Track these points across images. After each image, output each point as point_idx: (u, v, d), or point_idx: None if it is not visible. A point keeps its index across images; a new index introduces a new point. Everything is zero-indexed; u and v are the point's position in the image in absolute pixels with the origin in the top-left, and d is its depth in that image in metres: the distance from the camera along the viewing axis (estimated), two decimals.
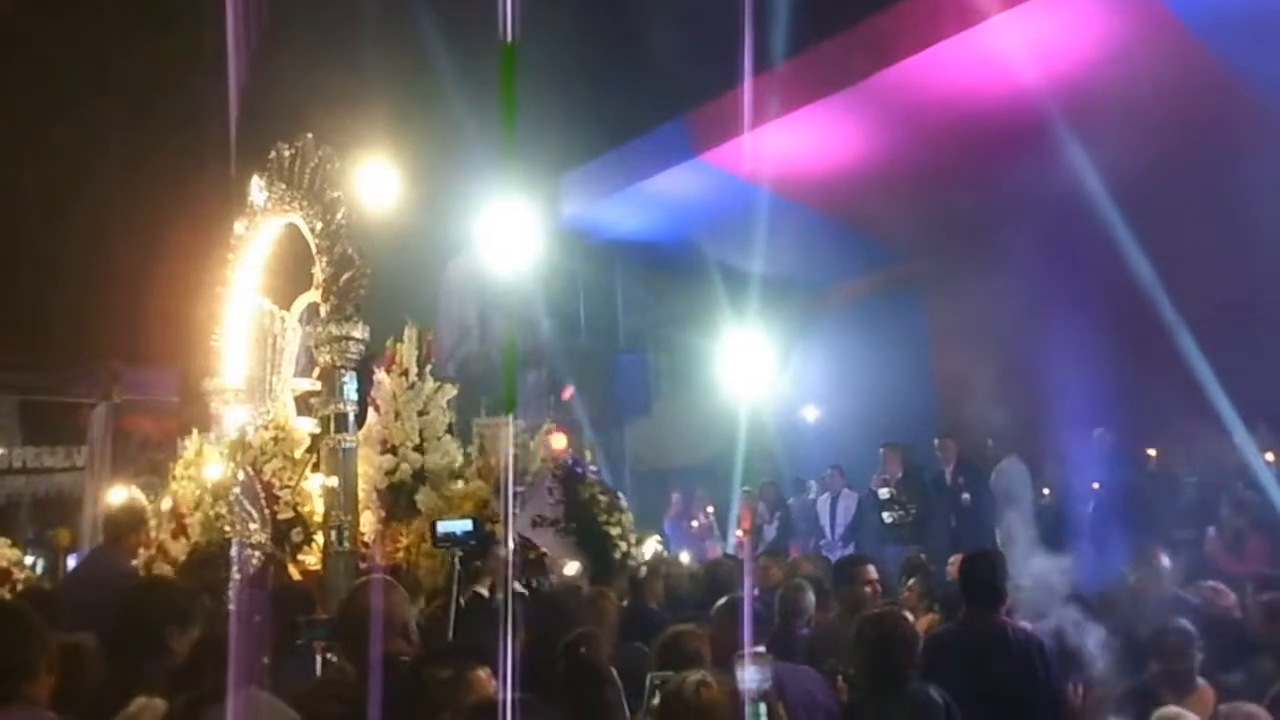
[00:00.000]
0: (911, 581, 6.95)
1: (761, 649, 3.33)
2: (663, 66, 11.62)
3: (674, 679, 3.12)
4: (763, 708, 2.99)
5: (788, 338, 14.11)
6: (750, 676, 3.04)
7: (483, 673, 3.58)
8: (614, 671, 4.12)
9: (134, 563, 6.59)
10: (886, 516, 11.25)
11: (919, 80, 10.40)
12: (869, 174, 11.66)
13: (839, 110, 11.15)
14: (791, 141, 11.27)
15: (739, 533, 12.47)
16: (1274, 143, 8.45)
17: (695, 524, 13.22)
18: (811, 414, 14.66)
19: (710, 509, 13.30)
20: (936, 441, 11.44)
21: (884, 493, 11.28)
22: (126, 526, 6.43)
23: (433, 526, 5.81)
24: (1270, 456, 9.35)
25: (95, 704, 3.62)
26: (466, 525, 5.61)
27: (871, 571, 6.10)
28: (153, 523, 7.24)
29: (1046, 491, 11.27)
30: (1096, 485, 10.47)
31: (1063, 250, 10.67)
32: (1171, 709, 3.84)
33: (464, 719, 3.24)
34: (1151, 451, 10.61)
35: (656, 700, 3.12)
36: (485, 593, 5.72)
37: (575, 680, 4.03)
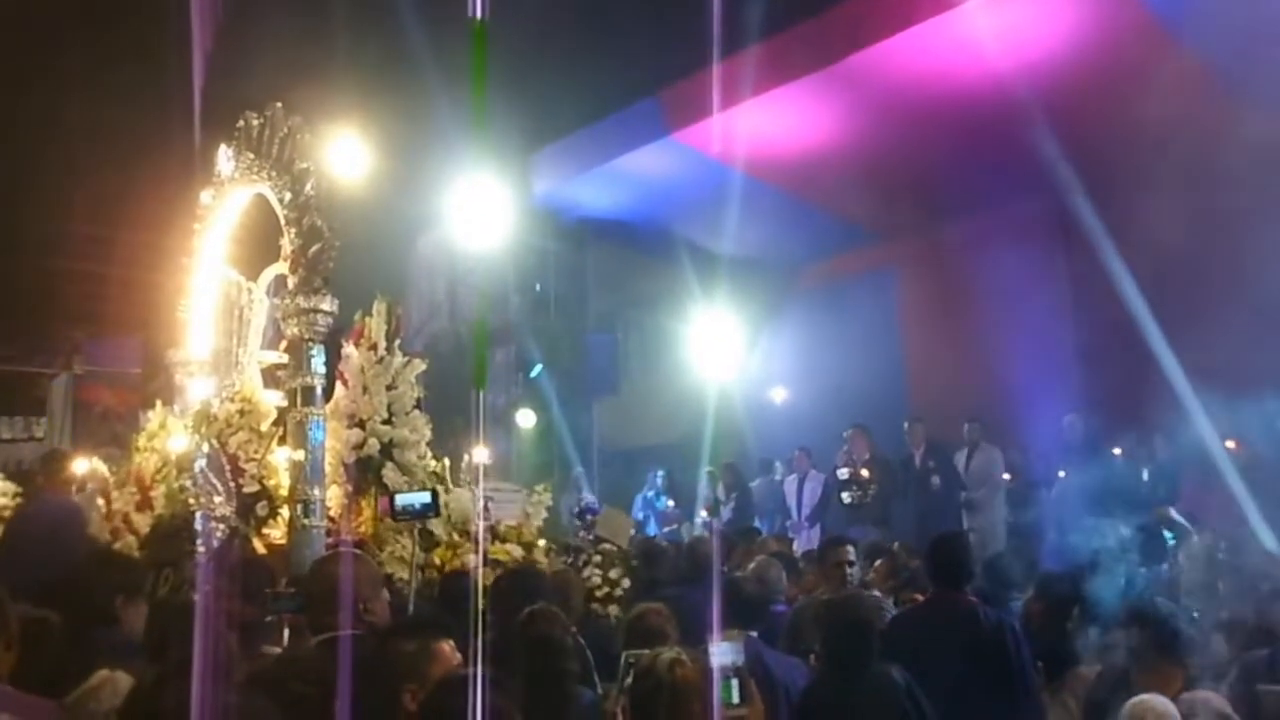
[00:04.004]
0: (878, 564, 7.02)
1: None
2: (636, 44, 11.55)
3: (646, 656, 3.11)
4: (734, 683, 2.98)
5: (758, 319, 14.12)
6: (723, 653, 3.03)
7: (447, 645, 3.56)
8: (572, 643, 4.11)
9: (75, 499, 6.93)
10: (845, 497, 11.31)
11: (893, 64, 10.41)
12: (842, 156, 11.66)
13: (812, 92, 11.14)
14: (764, 122, 11.25)
15: (703, 513, 12.51)
16: (1244, 132, 8.51)
17: (671, 503, 13.26)
18: (780, 395, 14.69)
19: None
20: (905, 425, 11.50)
21: (843, 473, 11.33)
22: (60, 465, 6.92)
23: (391, 499, 5.82)
24: (1231, 444, 9.46)
25: (54, 676, 3.59)
26: (425, 498, 5.61)
27: (848, 553, 6.15)
28: (114, 494, 7.16)
29: (1007, 477, 11.39)
30: (1061, 474, 10.58)
31: (1033, 235, 10.74)
32: (1150, 695, 3.85)
33: (428, 692, 3.21)
34: (1117, 450, 10.71)
35: (630, 678, 3.10)
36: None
37: (531, 654, 4.02)
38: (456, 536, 6.65)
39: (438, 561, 6.51)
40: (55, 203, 11.22)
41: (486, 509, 6.13)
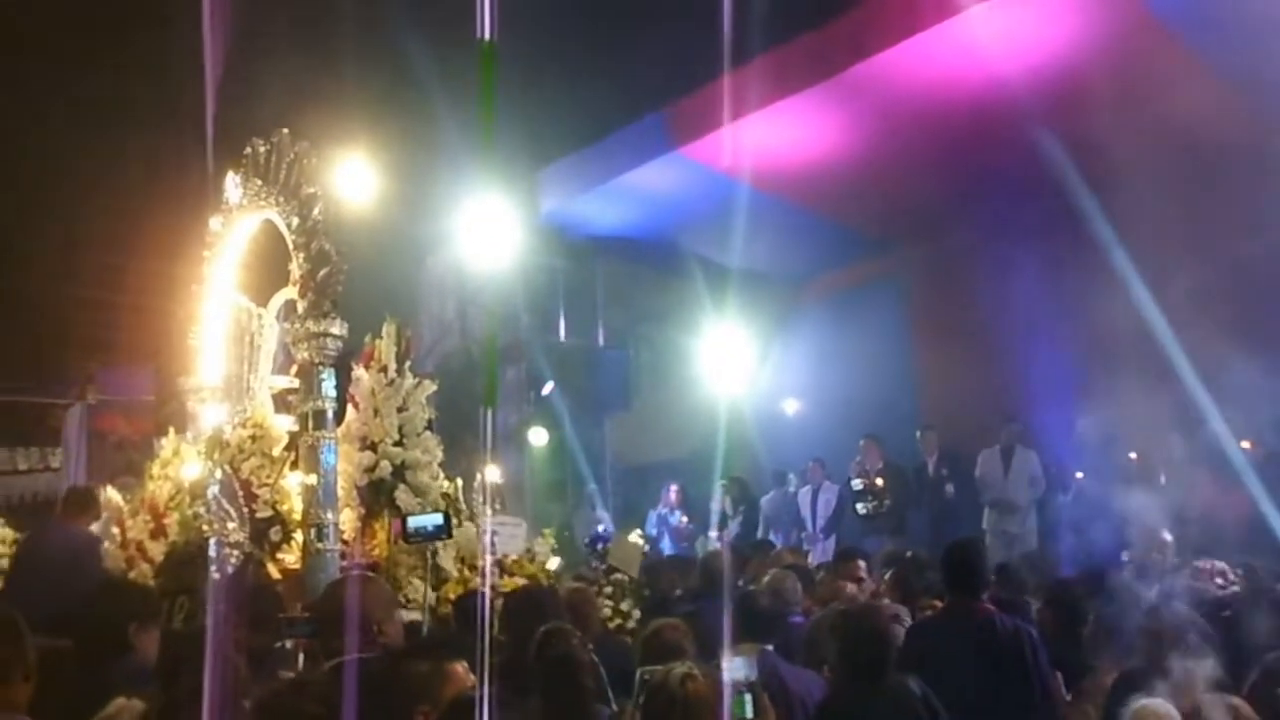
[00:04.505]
0: (888, 574, 6.98)
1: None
2: (641, 60, 11.58)
3: (659, 671, 3.10)
4: (748, 698, 2.97)
5: (768, 331, 14.11)
6: (736, 667, 3.02)
7: (460, 666, 3.55)
8: (589, 660, 4.10)
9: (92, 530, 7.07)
10: (860, 508, 11.29)
11: (897, 72, 10.39)
12: (849, 166, 11.65)
13: (818, 103, 11.14)
14: (770, 135, 11.25)
15: (713, 531, 12.48)
16: (1249, 135, 8.50)
17: (685, 519, 13.23)
18: (792, 407, 14.66)
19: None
20: (919, 434, 11.46)
21: (857, 483, 11.31)
22: (81, 501, 7.13)
23: (404, 521, 5.82)
24: (1246, 444, 9.40)
25: (70, 706, 3.59)
26: (438, 519, 5.61)
27: (860, 568, 6.12)
28: (129, 522, 7.18)
29: None
30: (1080, 475, 10.52)
31: (1041, 240, 10.71)
32: (1153, 700, 3.82)
33: (441, 713, 3.20)
34: (1133, 455, 10.65)
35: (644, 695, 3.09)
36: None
37: (548, 673, 4.01)
38: (467, 571, 6.62)
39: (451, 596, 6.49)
40: (67, 233, 11.30)
41: (493, 544, 6.11)
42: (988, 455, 11.04)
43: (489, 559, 6.44)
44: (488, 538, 6.68)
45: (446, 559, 6.39)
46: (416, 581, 6.26)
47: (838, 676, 4.37)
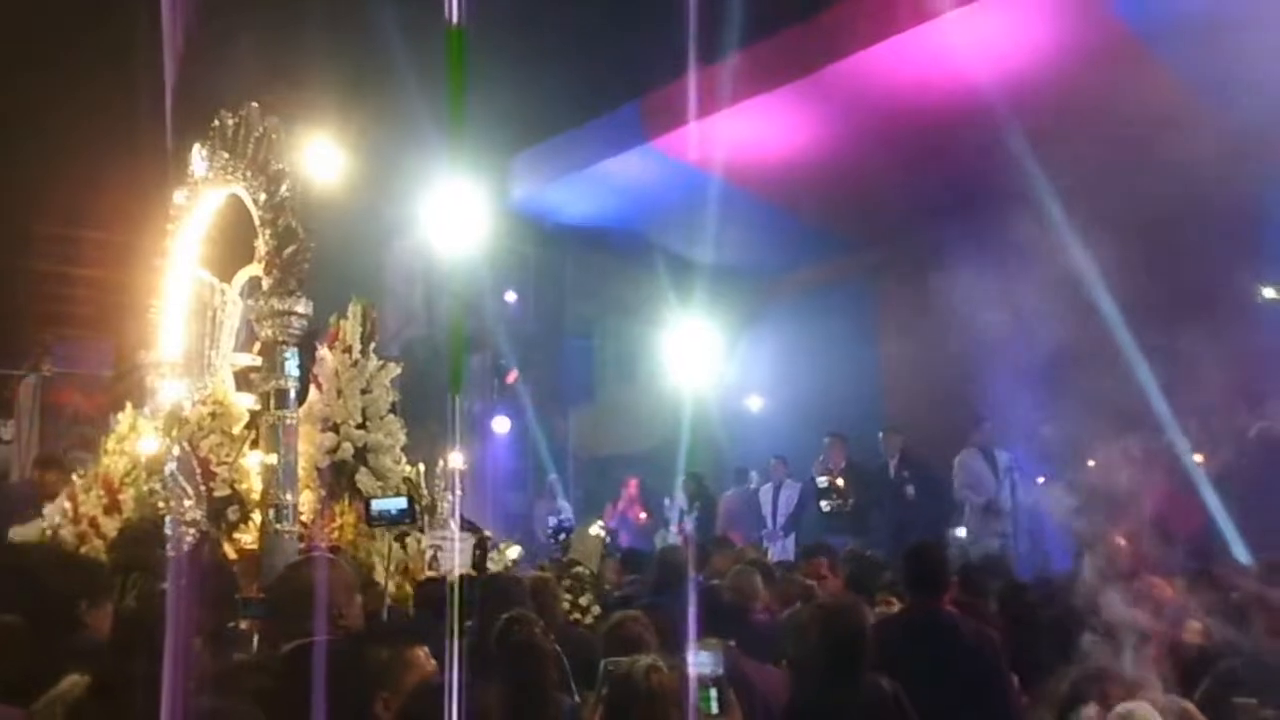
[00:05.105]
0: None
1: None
2: (617, 51, 11.54)
3: (624, 663, 3.07)
4: (713, 693, 2.95)
5: (735, 327, 14.12)
6: (702, 662, 2.99)
7: (421, 652, 3.51)
8: (553, 650, 4.07)
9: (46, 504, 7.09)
10: (824, 505, 11.31)
11: (872, 74, 10.44)
12: (820, 165, 11.68)
13: (792, 101, 11.17)
14: (744, 130, 11.26)
15: (673, 529, 12.48)
16: (1218, 146, 8.58)
17: (644, 515, 13.21)
18: (756, 404, 14.69)
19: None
20: (881, 434, 11.50)
21: (822, 481, 11.33)
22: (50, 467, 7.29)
23: (367, 504, 5.77)
24: (1199, 457, 9.51)
25: (20, 683, 3.51)
26: (401, 503, 5.58)
27: (823, 565, 6.12)
28: (82, 498, 7.05)
29: None
30: (1040, 480, 10.60)
31: (1010, 243, 10.77)
32: (1138, 705, 3.83)
33: (404, 700, 3.16)
34: (1091, 461, 10.72)
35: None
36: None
37: (512, 661, 3.98)
38: (409, 588, 6.48)
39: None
40: (24, 202, 11.06)
41: (435, 560, 5.97)
42: (970, 457, 10.88)
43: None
44: (429, 555, 6.45)
45: (379, 573, 6.17)
46: (378, 565, 6.17)
47: (810, 673, 4.35)
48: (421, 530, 6.28)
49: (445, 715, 2.57)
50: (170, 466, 6.33)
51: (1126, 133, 9.41)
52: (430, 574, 5.64)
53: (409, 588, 6.21)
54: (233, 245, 7.61)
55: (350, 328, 7.16)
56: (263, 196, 6.69)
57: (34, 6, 10.63)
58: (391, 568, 5.83)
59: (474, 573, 5.81)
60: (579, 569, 7.19)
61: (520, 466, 14.51)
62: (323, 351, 7.07)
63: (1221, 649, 4.96)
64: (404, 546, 6.36)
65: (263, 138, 6.82)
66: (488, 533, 6.86)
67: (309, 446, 6.67)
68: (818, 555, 6.26)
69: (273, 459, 6.22)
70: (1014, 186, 9.97)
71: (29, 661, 3.69)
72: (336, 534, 6.56)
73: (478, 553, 6.21)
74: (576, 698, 4.05)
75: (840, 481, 11.16)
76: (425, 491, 6.94)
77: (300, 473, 6.41)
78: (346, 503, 6.67)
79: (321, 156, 7.74)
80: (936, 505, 10.98)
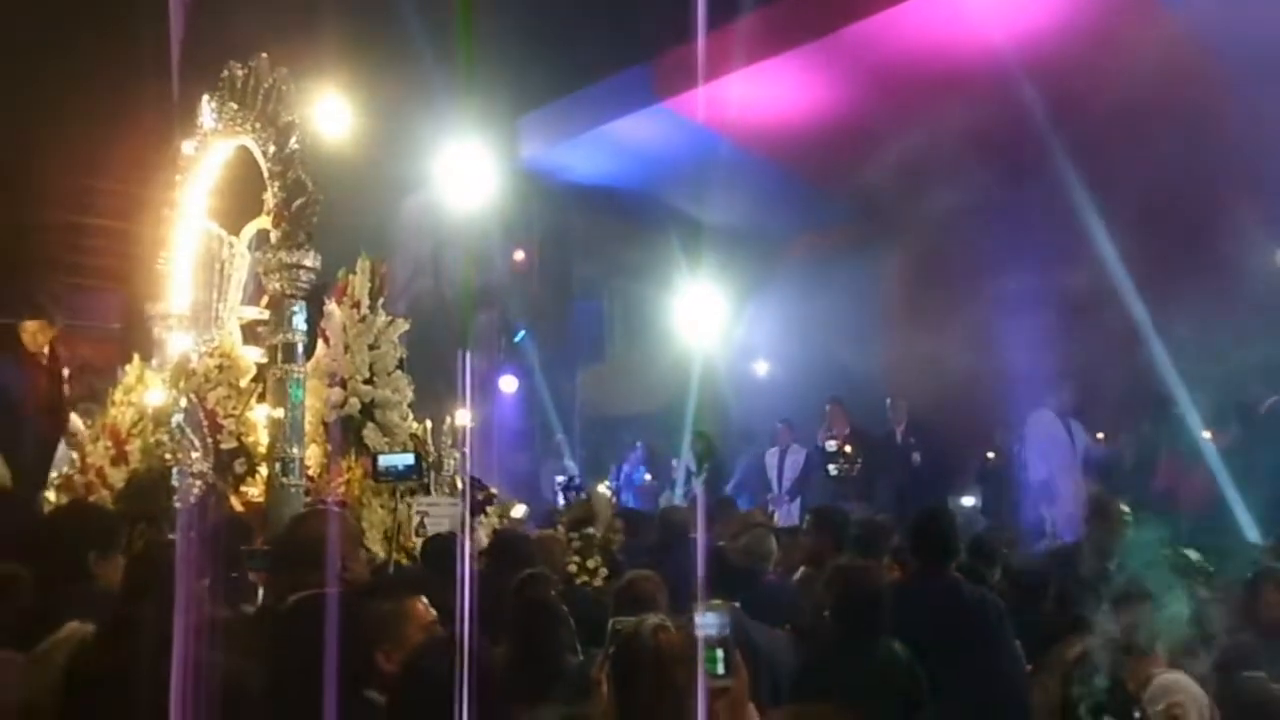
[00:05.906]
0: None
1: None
2: (629, 9, 11.42)
3: (631, 622, 3.05)
4: (720, 653, 2.92)
5: (743, 290, 14.05)
6: (708, 622, 2.96)
7: (420, 604, 3.51)
8: (564, 611, 4.07)
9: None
10: (831, 469, 11.30)
11: (888, 36, 10.32)
12: (832, 129, 11.57)
13: (804, 63, 11.05)
14: (756, 92, 11.14)
15: (681, 487, 12.51)
16: (1240, 113, 8.49)
17: (649, 477, 13.21)
18: (763, 368, 14.65)
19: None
20: (888, 401, 11.47)
21: (830, 445, 11.31)
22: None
23: (374, 460, 5.77)
24: (1208, 434, 9.47)
25: (23, 630, 3.52)
26: (409, 459, 5.59)
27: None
28: (89, 448, 7.06)
29: (991, 455, 11.39)
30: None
31: (1021, 211, 10.70)
32: (1177, 674, 3.81)
33: (410, 654, 3.16)
34: (1100, 435, 10.68)
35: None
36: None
37: (524, 619, 3.98)
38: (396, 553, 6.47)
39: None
40: (32, 152, 10.99)
41: (422, 525, 5.94)
42: (1048, 422, 10.25)
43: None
44: (415, 522, 6.45)
45: (373, 540, 6.17)
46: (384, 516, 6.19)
47: (826, 635, 4.33)
48: (428, 489, 6.29)
49: (451, 670, 2.56)
50: (177, 418, 6.34)
51: (1145, 95, 9.29)
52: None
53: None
54: (241, 198, 7.57)
55: (359, 283, 7.14)
56: (272, 149, 6.65)
57: None
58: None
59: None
60: (587, 530, 7.19)
61: (527, 426, 14.52)
62: (330, 306, 7.04)
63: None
64: (393, 512, 6.35)
65: (272, 89, 6.77)
66: (494, 489, 6.85)
67: (316, 401, 6.67)
68: (827, 520, 6.22)
69: (279, 413, 6.21)
70: (1028, 150, 9.88)
71: (35, 610, 3.69)
72: (343, 489, 6.57)
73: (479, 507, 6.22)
74: (581, 657, 4.05)
75: (848, 447, 11.15)
76: (432, 448, 6.94)
77: (307, 427, 6.41)
78: (354, 458, 6.67)
79: (331, 111, 7.67)
80: (942, 472, 10.97)
